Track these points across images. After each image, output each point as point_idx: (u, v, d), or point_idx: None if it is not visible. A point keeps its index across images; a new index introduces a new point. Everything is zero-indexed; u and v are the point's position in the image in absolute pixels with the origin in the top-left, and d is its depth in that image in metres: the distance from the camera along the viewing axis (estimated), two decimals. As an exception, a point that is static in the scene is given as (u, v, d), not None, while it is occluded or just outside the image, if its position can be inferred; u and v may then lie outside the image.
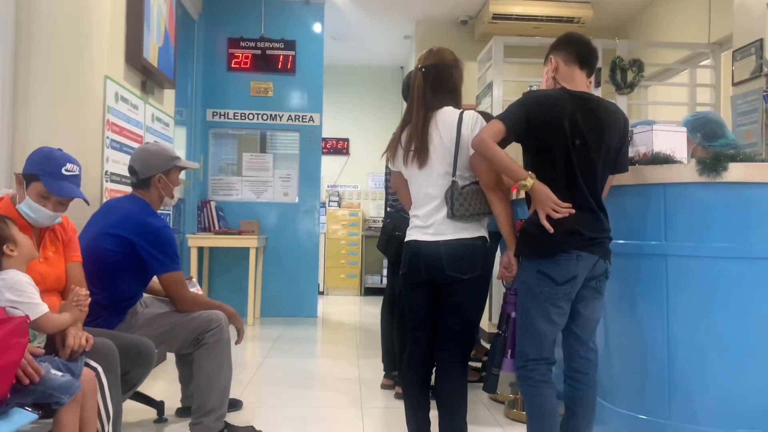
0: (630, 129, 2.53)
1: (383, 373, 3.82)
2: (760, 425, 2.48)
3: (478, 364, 4.03)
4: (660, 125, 2.69)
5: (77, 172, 2.23)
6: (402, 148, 2.42)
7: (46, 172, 2.14)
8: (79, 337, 2.03)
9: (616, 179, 2.43)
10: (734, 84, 4.55)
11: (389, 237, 3.62)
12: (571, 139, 2.21)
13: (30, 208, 2.14)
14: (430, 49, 2.49)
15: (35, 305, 1.93)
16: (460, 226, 2.34)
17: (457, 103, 2.43)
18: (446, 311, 2.39)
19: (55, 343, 2.01)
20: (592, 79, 2.39)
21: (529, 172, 2.21)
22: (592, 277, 2.25)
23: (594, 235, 2.23)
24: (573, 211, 2.18)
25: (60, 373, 1.84)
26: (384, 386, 3.76)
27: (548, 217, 2.18)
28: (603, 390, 2.90)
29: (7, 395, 1.67)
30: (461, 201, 2.31)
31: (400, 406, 3.37)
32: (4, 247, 1.98)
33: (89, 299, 2.15)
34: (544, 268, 2.21)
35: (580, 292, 2.25)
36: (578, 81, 2.33)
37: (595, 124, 2.24)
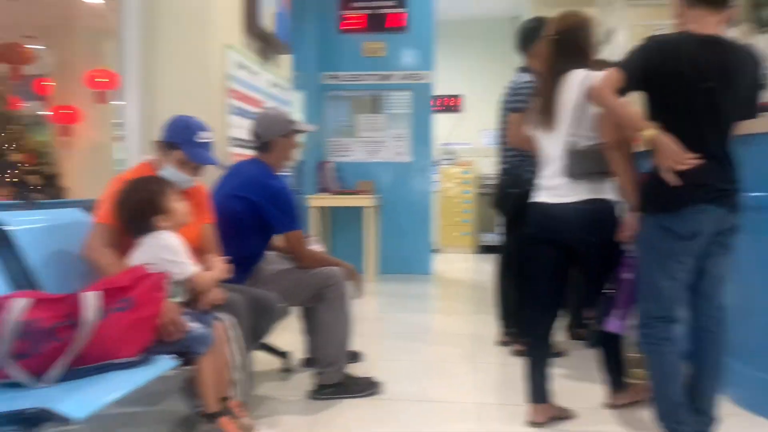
0: (765, 72, 2.31)
1: (497, 330, 3.82)
2: None
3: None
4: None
5: (211, 139, 2.39)
6: (534, 113, 2.49)
7: (186, 141, 2.31)
8: (214, 293, 2.19)
9: (745, 127, 2.25)
10: None
11: (504, 195, 3.57)
12: (695, 85, 2.07)
13: (172, 174, 2.31)
14: (561, 14, 2.48)
15: (187, 265, 2.10)
16: (585, 187, 2.33)
17: (587, 65, 2.41)
18: (583, 271, 2.50)
19: (190, 297, 2.18)
20: (724, 17, 2.19)
21: (651, 123, 2.11)
22: (718, 231, 2.13)
23: (721, 186, 2.10)
24: (698, 161, 2.05)
25: (197, 325, 2.00)
26: (498, 343, 3.76)
27: (672, 170, 2.07)
28: (736, 350, 2.75)
29: (151, 344, 1.84)
30: (577, 160, 2.31)
31: (514, 363, 3.37)
32: (157, 218, 2.14)
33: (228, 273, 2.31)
34: (667, 223, 2.12)
35: (705, 248, 2.14)
36: (705, 22, 2.14)
37: (722, 68, 2.08)
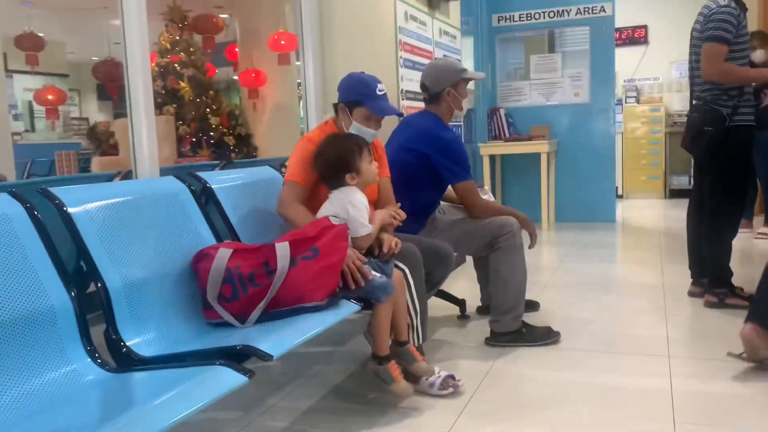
0: None
1: (690, 280, 3.55)
2: None
3: None
4: None
5: (385, 90, 2.45)
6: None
7: (366, 96, 2.38)
8: (391, 242, 2.29)
9: None
10: None
11: (697, 133, 3.24)
12: None
13: (358, 130, 2.41)
14: None
15: (363, 225, 2.21)
16: None
17: None
18: None
19: (371, 248, 2.29)
20: None
21: None
22: None
23: None
24: None
25: (378, 275, 2.11)
26: (691, 294, 3.50)
27: None
28: None
29: (336, 289, 1.98)
30: None
31: (708, 315, 3.13)
32: (347, 176, 2.26)
33: (403, 218, 2.37)
34: None
35: None
36: None
37: None
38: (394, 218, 2.35)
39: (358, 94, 2.40)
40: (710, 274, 3.33)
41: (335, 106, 2.48)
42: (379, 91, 2.40)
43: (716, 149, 3.17)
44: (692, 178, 3.57)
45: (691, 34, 3.32)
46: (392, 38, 3.51)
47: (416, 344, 2.35)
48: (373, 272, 2.11)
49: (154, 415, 1.30)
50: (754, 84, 3.36)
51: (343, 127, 2.44)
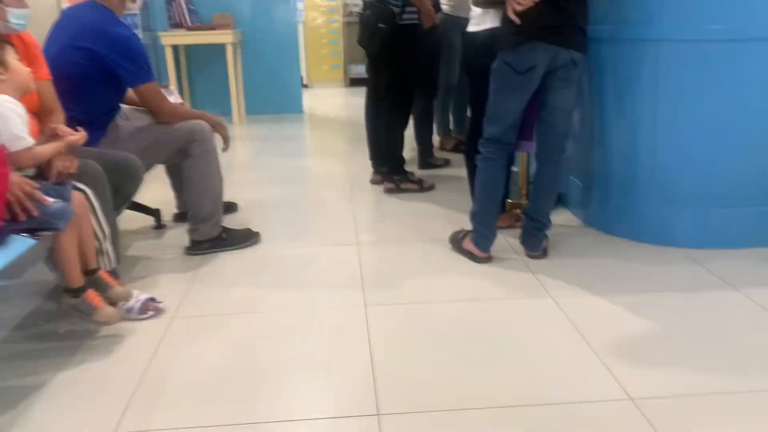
0: None
1: (372, 169, 3.88)
2: (731, 203, 2.62)
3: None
4: None
5: None
6: None
7: None
8: (63, 161, 2.00)
9: None
10: None
11: (372, 31, 3.42)
12: None
13: (17, 16, 2.03)
14: None
15: (18, 138, 1.86)
16: (491, 16, 2.56)
17: None
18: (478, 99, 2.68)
19: (41, 169, 1.98)
20: None
21: None
22: (556, 67, 2.36)
23: (554, 23, 2.30)
24: (537, 0, 2.21)
25: (53, 200, 1.84)
26: (373, 182, 3.85)
27: (515, 11, 2.25)
28: (585, 175, 3.01)
29: (3, 224, 1.69)
30: None
31: (389, 200, 3.50)
32: None
33: (82, 140, 2.08)
34: (508, 59, 2.36)
35: (547, 82, 2.40)
36: None
37: None
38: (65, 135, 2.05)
39: None
40: (387, 163, 3.69)
41: None
42: None
43: (388, 46, 3.41)
44: (368, 72, 3.79)
45: None
46: None
47: (108, 269, 2.17)
48: (48, 198, 1.84)
49: None
50: None
51: None
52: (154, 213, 3.15)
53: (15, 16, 2.02)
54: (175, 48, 5.86)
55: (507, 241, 2.81)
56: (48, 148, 1.97)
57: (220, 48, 5.79)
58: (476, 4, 2.62)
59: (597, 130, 2.87)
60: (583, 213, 3.07)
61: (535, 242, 2.62)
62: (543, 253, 2.64)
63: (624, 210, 2.82)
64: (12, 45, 1.98)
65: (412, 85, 3.61)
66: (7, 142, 1.83)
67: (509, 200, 3.02)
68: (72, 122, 2.28)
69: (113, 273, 2.20)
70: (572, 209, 3.20)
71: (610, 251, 2.71)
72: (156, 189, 3.41)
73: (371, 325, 2.11)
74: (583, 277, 2.44)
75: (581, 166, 3.07)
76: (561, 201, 3.25)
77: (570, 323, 2.09)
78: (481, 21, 2.64)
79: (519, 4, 2.24)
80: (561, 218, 3.10)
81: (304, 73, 8.39)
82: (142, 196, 3.03)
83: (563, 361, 1.87)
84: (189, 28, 5.79)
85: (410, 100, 3.64)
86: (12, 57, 1.95)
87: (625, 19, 2.62)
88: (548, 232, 2.67)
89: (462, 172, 3.12)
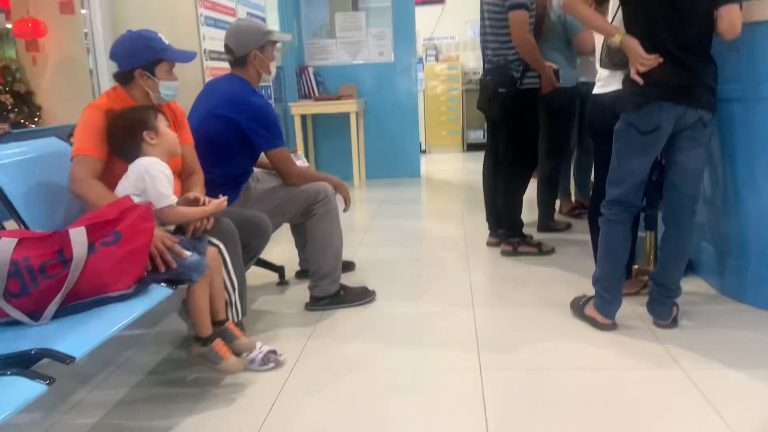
0: None
1: (488, 231, 3.86)
2: None
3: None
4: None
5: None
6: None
7: (162, 50, 2.22)
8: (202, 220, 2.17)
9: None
10: None
11: (492, 94, 3.46)
12: None
13: (168, 87, 2.24)
14: None
15: (163, 196, 2.05)
16: (617, 78, 2.54)
17: None
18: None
19: (181, 225, 2.16)
20: None
21: (619, 28, 2.31)
22: (684, 127, 2.28)
23: (679, 83, 2.23)
24: (660, 61, 2.19)
25: (190, 253, 1.99)
26: (489, 244, 3.82)
27: (638, 71, 2.24)
28: (716, 239, 2.82)
29: (143, 274, 1.85)
30: (614, 52, 2.49)
31: (503, 263, 3.45)
32: (145, 133, 2.10)
33: (224, 206, 2.23)
34: (632, 120, 2.31)
35: (675, 142, 2.32)
36: None
37: None
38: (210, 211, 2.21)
39: (153, 50, 2.21)
40: (505, 225, 3.65)
41: (122, 75, 2.25)
42: (166, 40, 2.26)
43: (509, 109, 3.43)
44: (486, 137, 3.82)
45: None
46: (191, -6, 3.29)
47: (235, 320, 2.30)
48: (185, 251, 2.00)
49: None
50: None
51: (138, 97, 2.24)
52: (279, 270, 3.31)
53: (165, 88, 2.25)
54: (303, 117, 6.24)
55: (633, 308, 2.67)
56: (192, 211, 2.13)
57: (344, 116, 6.09)
58: (603, 66, 2.61)
59: (730, 194, 2.70)
60: (716, 281, 2.87)
61: (664, 310, 2.47)
62: (673, 323, 2.48)
63: (762, 279, 2.60)
64: (163, 114, 2.21)
65: (535, 148, 3.60)
66: (154, 200, 2.02)
67: (636, 266, 2.88)
68: (210, 183, 2.49)
69: (239, 325, 2.32)
70: (704, 277, 2.99)
71: (746, 322, 2.50)
72: (281, 247, 3.59)
73: (486, 388, 2.06)
74: (716, 348, 2.26)
75: (713, 231, 2.88)
76: (692, 268, 3.06)
77: (702, 397, 1.93)
78: (607, 83, 2.62)
79: (642, 64, 2.22)
80: (692, 286, 2.91)
81: (422, 138, 8.60)
82: (268, 254, 3.20)
83: (697, 440, 1.72)
84: (316, 99, 6.16)
85: (530, 163, 3.62)
86: (163, 124, 2.17)
87: (759, 77, 2.48)
88: (678, 300, 2.51)
89: (583, 236, 3.03)
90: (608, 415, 1.87)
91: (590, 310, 2.54)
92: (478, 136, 8.66)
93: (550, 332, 2.50)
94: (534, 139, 3.56)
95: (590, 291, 2.58)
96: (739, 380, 2.03)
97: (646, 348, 2.31)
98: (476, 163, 5.42)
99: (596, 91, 2.71)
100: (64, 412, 2.06)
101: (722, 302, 2.73)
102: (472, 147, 8.76)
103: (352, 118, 6.01)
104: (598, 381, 2.08)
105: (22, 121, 5.95)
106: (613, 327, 2.49)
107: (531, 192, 3.79)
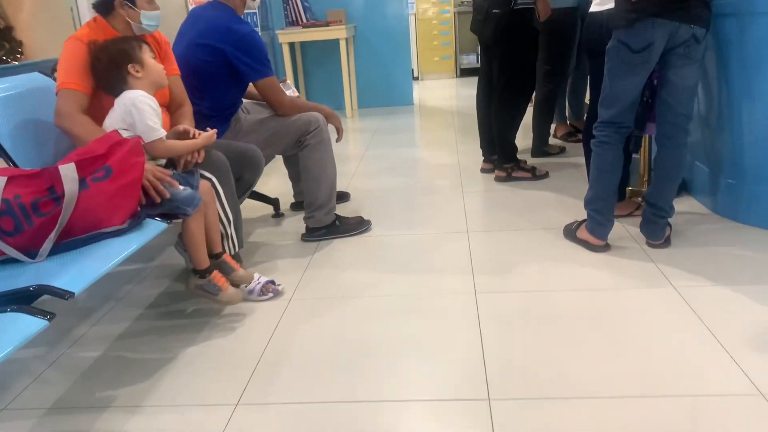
0: None
1: (482, 158, 3.85)
2: None
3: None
4: None
5: None
6: None
7: None
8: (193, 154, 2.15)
9: None
10: None
11: (485, 16, 3.37)
12: None
13: (149, 18, 2.18)
14: None
15: (152, 129, 2.02)
16: None
17: None
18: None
19: (171, 159, 2.14)
20: None
21: None
22: (676, 44, 2.23)
23: None
24: None
25: (182, 187, 1.98)
26: (483, 170, 3.81)
27: None
28: (708, 157, 2.82)
29: (137, 209, 1.84)
30: None
31: (500, 188, 3.45)
32: (130, 66, 2.05)
33: (213, 138, 2.20)
34: (624, 38, 2.26)
35: (667, 59, 2.28)
36: None
37: None
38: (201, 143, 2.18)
39: None
40: (499, 151, 3.63)
41: (102, 5, 2.17)
42: None
43: (503, 30, 3.34)
44: (479, 61, 3.75)
45: None
46: None
47: (232, 253, 2.31)
48: (179, 185, 1.98)
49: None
50: None
51: (120, 28, 2.18)
52: (273, 202, 3.31)
53: (147, 18, 2.19)
54: (292, 44, 6.09)
55: (626, 229, 2.69)
56: (183, 144, 2.11)
57: (334, 43, 5.94)
58: None
59: (724, 112, 2.67)
60: (710, 200, 2.88)
61: (657, 230, 2.50)
62: (665, 242, 2.50)
63: (757, 197, 2.61)
64: (148, 44, 2.15)
65: (530, 71, 3.52)
66: (142, 134, 1.99)
67: (629, 188, 2.89)
68: (198, 115, 2.45)
69: (236, 257, 2.34)
70: (697, 196, 3.01)
71: (739, 240, 2.52)
72: (275, 180, 3.57)
73: (482, 311, 2.10)
74: (708, 266, 2.30)
75: (707, 150, 2.87)
76: (685, 188, 3.07)
77: (693, 314, 1.97)
78: (604, 1, 2.54)
79: None
80: (685, 205, 2.93)
81: (414, 65, 8.44)
82: (262, 187, 3.19)
83: (687, 353, 1.77)
84: (304, 26, 5.99)
85: (526, 87, 3.55)
86: (148, 56, 2.11)
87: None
88: (671, 220, 2.53)
89: (578, 160, 3.02)
90: (601, 331, 1.92)
91: (582, 233, 2.56)
92: (472, 60, 8.49)
93: (544, 255, 2.53)
94: (529, 63, 3.48)
95: (583, 215, 2.60)
96: (728, 296, 2.08)
97: (639, 267, 2.35)
98: (470, 89, 5.33)
99: (593, 9, 2.64)
100: (67, 347, 2.10)
101: (715, 221, 2.75)
102: (465, 72, 8.61)
103: (342, 45, 5.87)
104: (591, 300, 2.13)
105: (5, 57, 5.80)
106: (606, 248, 2.52)
107: (526, 117, 3.75)
